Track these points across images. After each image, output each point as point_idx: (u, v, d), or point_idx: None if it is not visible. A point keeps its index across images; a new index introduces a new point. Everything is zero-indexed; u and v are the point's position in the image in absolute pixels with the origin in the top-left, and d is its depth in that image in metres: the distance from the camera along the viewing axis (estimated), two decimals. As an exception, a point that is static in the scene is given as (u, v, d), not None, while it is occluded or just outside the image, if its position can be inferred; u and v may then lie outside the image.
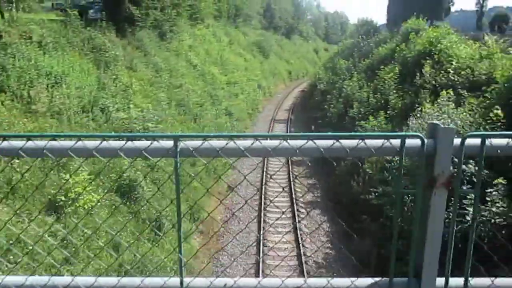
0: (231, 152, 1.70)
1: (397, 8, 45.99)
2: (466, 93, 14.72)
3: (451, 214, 6.21)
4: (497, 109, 10.77)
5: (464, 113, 12.60)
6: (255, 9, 56.81)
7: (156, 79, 20.80)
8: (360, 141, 1.69)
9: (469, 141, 1.72)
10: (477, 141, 1.72)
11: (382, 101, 21.47)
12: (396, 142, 1.71)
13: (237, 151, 1.70)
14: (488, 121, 11.10)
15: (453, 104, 13.59)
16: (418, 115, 14.90)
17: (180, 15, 28.55)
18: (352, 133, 1.76)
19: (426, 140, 1.68)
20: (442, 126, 1.68)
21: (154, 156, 1.72)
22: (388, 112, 19.66)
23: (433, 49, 20.75)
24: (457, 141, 1.70)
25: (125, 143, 1.68)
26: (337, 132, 1.76)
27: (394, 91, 20.78)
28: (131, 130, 15.14)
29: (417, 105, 17.09)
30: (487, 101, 12.09)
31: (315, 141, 1.69)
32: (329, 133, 1.73)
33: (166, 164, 16.24)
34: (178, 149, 1.69)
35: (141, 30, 23.22)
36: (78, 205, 10.23)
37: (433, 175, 1.72)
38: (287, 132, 27.79)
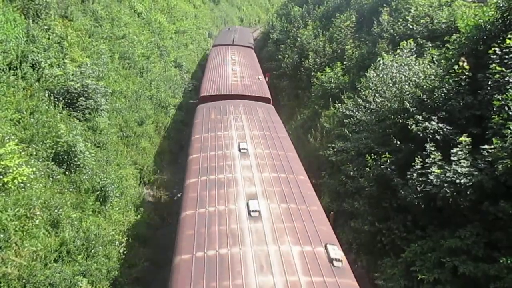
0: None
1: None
2: (426, 43, 14.15)
3: (413, 174, 5.45)
4: (463, 61, 10.20)
5: (426, 65, 12.03)
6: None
7: (96, 29, 18.80)
8: None
9: None
10: None
11: (339, 51, 20.72)
12: None
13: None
14: (452, 74, 10.57)
15: (415, 55, 12.99)
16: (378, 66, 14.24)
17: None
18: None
19: None
20: None
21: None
22: (345, 63, 18.97)
23: (390, -5, 19.93)
24: None
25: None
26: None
27: (351, 41, 20.02)
28: (68, 89, 13.57)
29: (375, 56, 16.46)
30: (450, 52, 11.52)
31: None
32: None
33: (111, 125, 14.95)
34: None
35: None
36: (6, 180, 8.94)
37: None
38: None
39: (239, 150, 10.20)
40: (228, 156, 9.93)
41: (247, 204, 7.92)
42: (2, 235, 8.23)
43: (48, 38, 15.04)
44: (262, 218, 7.54)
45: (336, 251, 7.04)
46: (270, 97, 16.04)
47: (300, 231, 7.36)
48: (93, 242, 9.96)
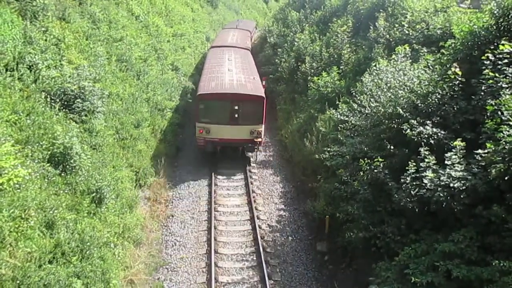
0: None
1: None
2: (421, 48, 14.27)
3: (408, 178, 6.47)
4: (455, 67, 10.30)
5: (420, 70, 12.13)
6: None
7: (93, 31, 18.81)
8: None
9: None
10: None
11: (335, 56, 20.85)
12: None
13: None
14: (446, 79, 10.67)
15: (410, 61, 13.09)
16: (373, 71, 14.34)
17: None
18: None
19: None
20: None
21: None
22: (341, 67, 19.08)
23: (386, 1, 20.09)
24: None
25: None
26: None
27: (347, 45, 20.14)
28: (64, 91, 13.58)
29: (371, 61, 16.57)
30: (445, 58, 11.63)
31: None
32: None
33: (107, 127, 14.96)
34: None
35: (74, -24, 20.74)
36: (1, 181, 8.93)
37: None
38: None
39: (228, 59, 22.81)
40: (222, 61, 22.46)
41: (228, 69, 20.65)
42: (-4, 236, 8.22)
43: (46, 40, 15.03)
44: (233, 72, 20.25)
45: (256, 77, 20.27)
46: (250, 48, 29.13)
47: (246, 73, 20.28)
48: (88, 243, 9.93)
